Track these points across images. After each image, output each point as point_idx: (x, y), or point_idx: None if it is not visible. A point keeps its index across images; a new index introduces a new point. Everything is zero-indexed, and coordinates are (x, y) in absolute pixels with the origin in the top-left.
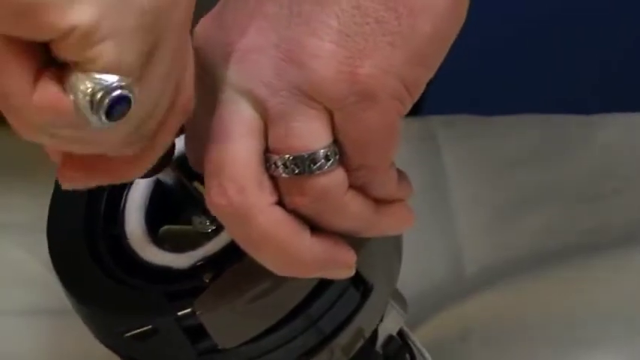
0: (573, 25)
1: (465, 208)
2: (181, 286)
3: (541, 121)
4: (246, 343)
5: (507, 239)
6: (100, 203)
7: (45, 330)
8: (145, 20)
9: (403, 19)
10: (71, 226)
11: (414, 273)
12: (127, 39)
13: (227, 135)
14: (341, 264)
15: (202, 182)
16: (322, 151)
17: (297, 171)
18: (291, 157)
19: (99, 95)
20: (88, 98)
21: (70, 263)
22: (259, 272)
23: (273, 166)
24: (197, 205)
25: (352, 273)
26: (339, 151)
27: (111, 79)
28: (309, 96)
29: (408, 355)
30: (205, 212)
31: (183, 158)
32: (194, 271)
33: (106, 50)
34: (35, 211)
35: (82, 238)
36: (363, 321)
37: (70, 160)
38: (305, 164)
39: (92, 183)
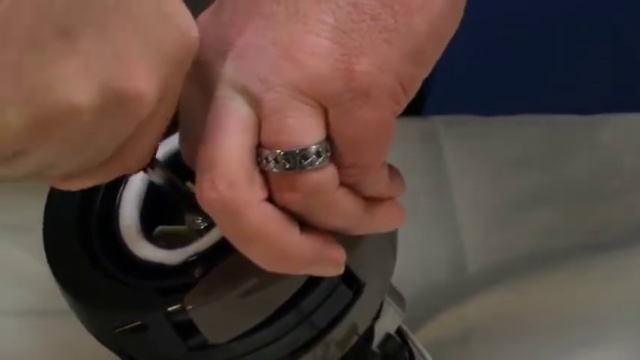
0: (574, 25)
1: (465, 208)
2: (173, 282)
3: (541, 121)
4: (236, 338)
5: (508, 239)
6: (95, 200)
7: (44, 330)
8: None
9: (399, 17)
10: (66, 223)
11: (414, 273)
12: None
13: (220, 130)
14: (330, 261)
15: (193, 182)
16: (314, 147)
17: (287, 166)
18: (282, 153)
19: None
20: None
21: (64, 259)
22: (249, 268)
23: (264, 161)
24: (189, 204)
25: (341, 271)
26: (331, 149)
27: None
28: (305, 92)
29: (407, 354)
30: (198, 211)
31: (172, 158)
32: (186, 267)
33: None
34: (35, 211)
35: (77, 235)
36: (356, 317)
37: None
38: (296, 159)
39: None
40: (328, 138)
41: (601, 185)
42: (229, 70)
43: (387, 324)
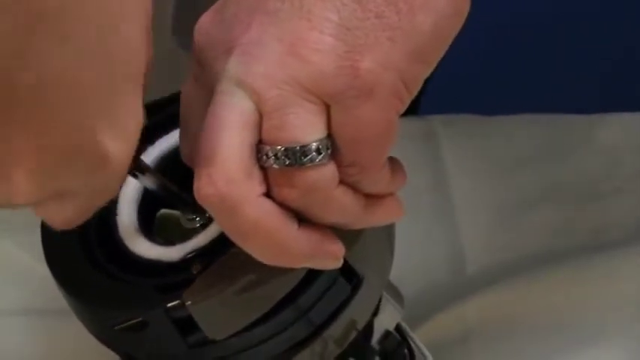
0: (574, 25)
1: (465, 208)
2: (172, 278)
3: (541, 121)
4: (236, 334)
5: (508, 239)
6: None
7: (44, 330)
8: None
9: (403, 15)
10: None
11: (414, 272)
12: None
13: (221, 125)
14: (328, 255)
15: (189, 182)
16: (314, 144)
17: (287, 162)
18: (282, 149)
19: None
20: None
21: (62, 258)
22: (248, 263)
23: (264, 157)
24: (184, 205)
25: (340, 264)
26: (332, 147)
27: None
28: (308, 89)
29: (406, 351)
30: (193, 210)
31: (170, 156)
32: (185, 263)
33: None
34: None
35: (75, 233)
36: (355, 312)
37: None
38: (296, 156)
39: None
40: (329, 136)
41: (601, 185)
42: (233, 66)
43: (386, 320)
